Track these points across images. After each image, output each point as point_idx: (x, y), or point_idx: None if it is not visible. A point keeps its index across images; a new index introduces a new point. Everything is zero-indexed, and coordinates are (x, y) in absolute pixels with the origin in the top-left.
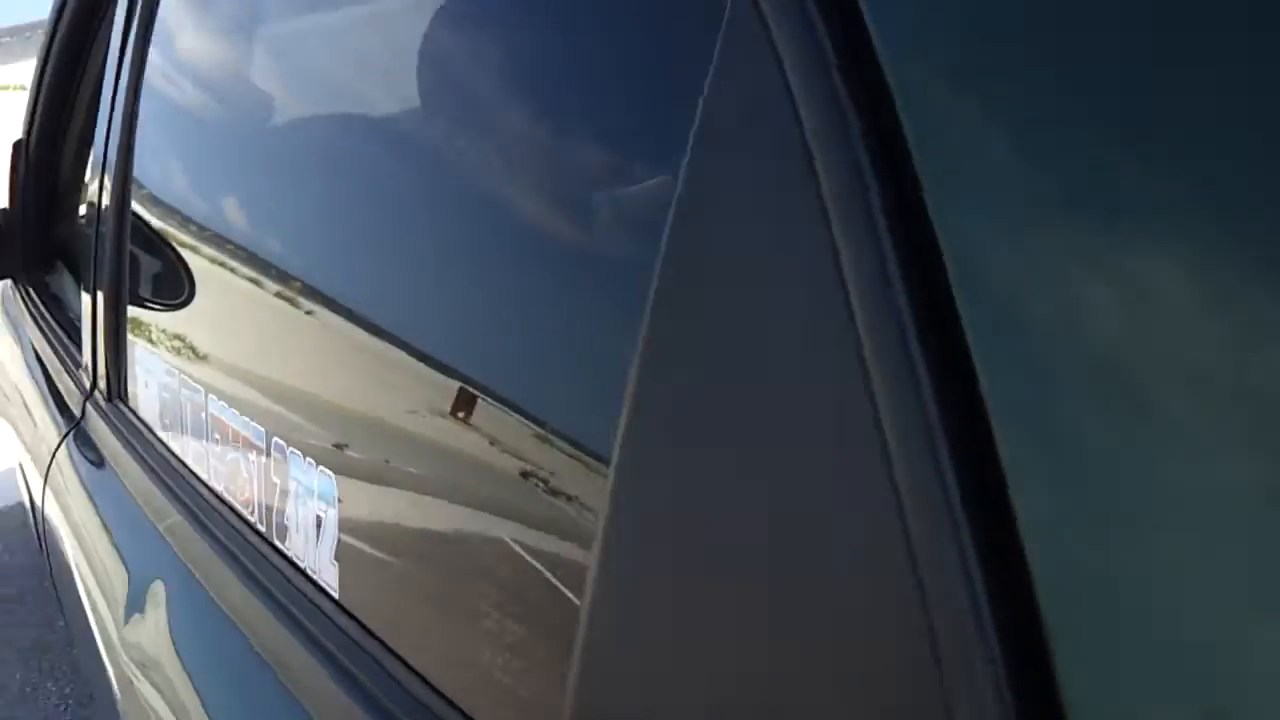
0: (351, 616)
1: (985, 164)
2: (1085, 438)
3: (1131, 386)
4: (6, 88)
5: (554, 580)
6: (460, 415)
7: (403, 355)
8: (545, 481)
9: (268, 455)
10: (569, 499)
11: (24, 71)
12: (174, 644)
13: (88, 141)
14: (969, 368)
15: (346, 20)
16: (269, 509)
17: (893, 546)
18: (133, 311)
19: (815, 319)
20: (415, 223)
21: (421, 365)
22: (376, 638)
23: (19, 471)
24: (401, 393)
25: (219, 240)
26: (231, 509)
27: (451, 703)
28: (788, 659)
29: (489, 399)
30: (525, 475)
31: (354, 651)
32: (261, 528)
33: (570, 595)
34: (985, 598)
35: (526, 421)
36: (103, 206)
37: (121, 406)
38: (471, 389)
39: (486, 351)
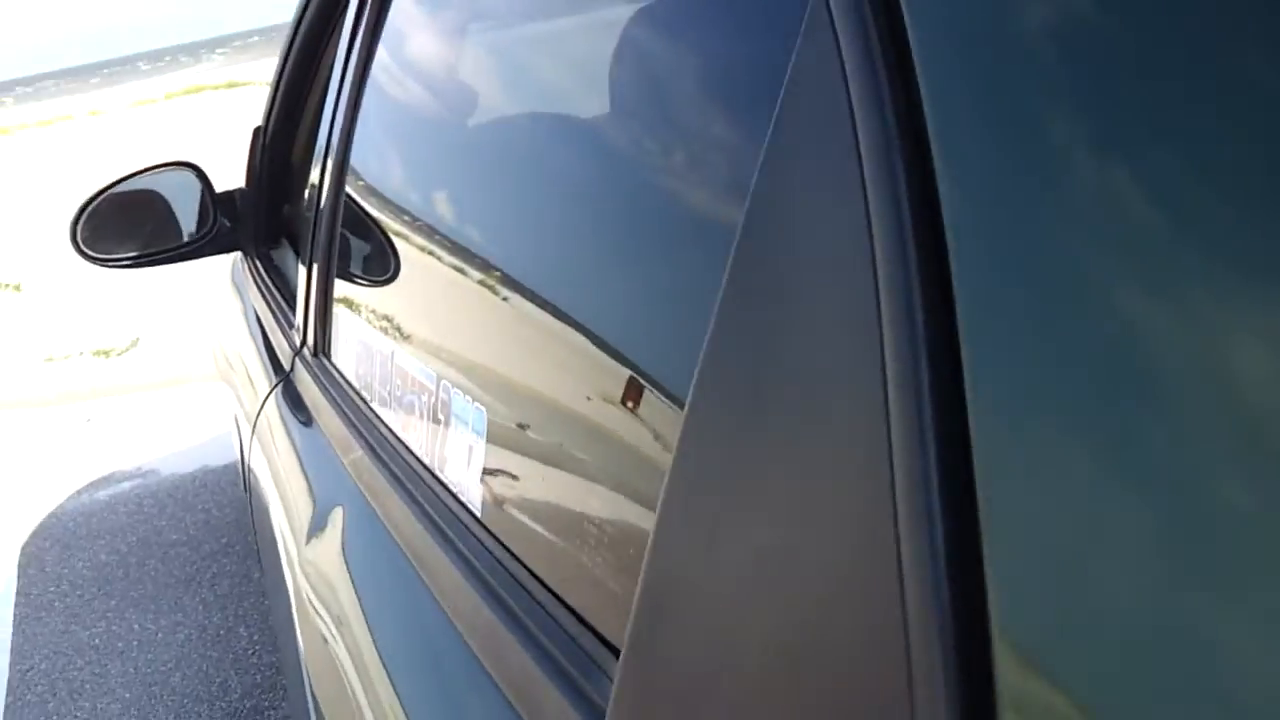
0: (489, 532)
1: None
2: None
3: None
4: (250, 84)
5: (638, 518)
6: (585, 374)
7: (549, 323)
8: (647, 435)
9: (436, 396)
10: (661, 453)
11: (267, 69)
12: (344, 558)
13: (316, 133)
14: (959, 376)
15: (551, 31)
16: (433, 441)
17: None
18: (339, 281)
19: (849, 323)
20: (567, 217)
21: (562, 331)
22: (508, 549)
23: (234, 430)
24: (545, 353)
25: (412, 226)
26: (403, 443)
27: (569, 608)
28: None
29: (612, 367)
30: (630, 429)
31: (489, 561)
32: (425, 458)
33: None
34: (950, 587)
35: (638, 388)
36: (322, 191)
37: (325, 361)
38: (600, 356)
39: (615, 331)
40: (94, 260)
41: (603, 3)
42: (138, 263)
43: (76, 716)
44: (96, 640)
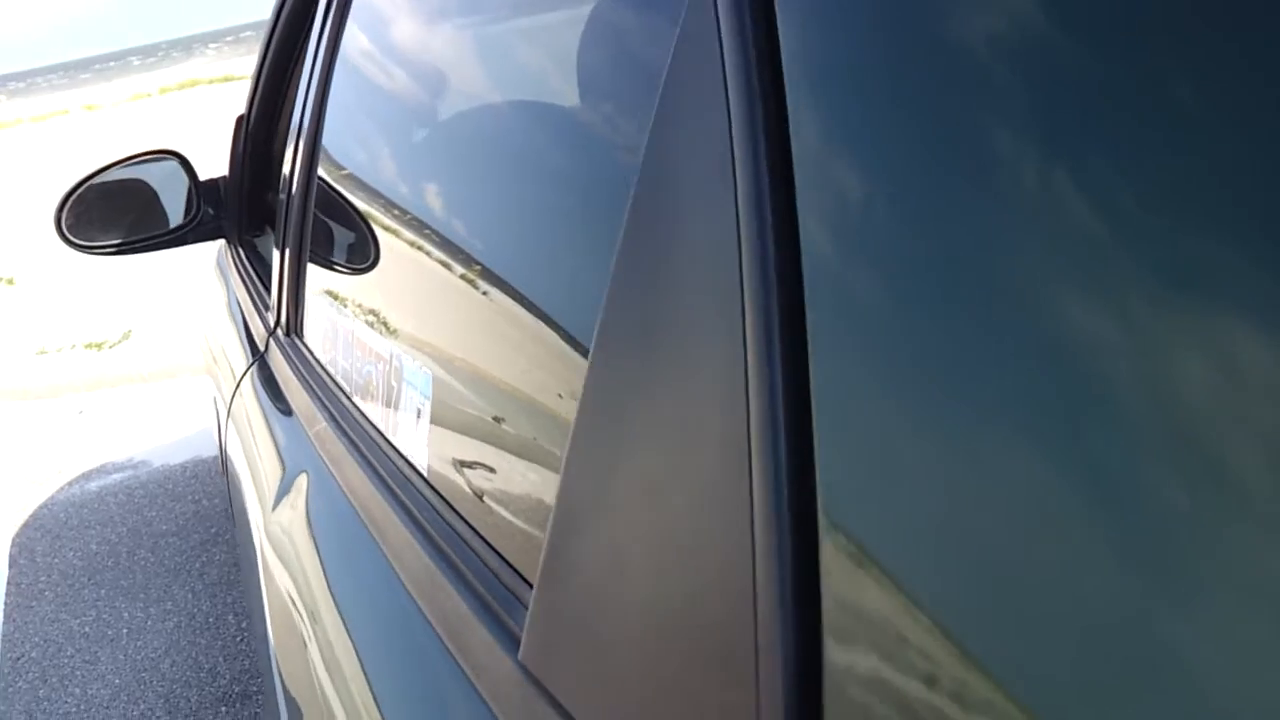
0: (433, 488)
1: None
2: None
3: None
4: (244, 78)
5: (553, 470)
6: (515, 343)
7: (483, 297)
8: (564, 400)
9: (389, 365)
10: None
11: None
12: (306, 522)
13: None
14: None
15: (515, 20)
16: (387, 408)
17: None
18: (311, 263)
19: (716, 307)
20: (501, 201)
21: (494, 304)
22: (448, 502)
23: (214, 414)
24: (481, 324)
25: (374, 207)
26: (361, 411)
27: (496, 550)
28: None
29: (539, 339)
30: (552, 395)
31: (431, 515)
32: (380, 424)
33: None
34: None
35: (557, 359)
36: (294, 174)
37: (297, 340)
38: (529, 327)
39: (540, 307)
40: (78, 247)
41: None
42: (121, 250)
43: (67, 703)
44: (87, 628)
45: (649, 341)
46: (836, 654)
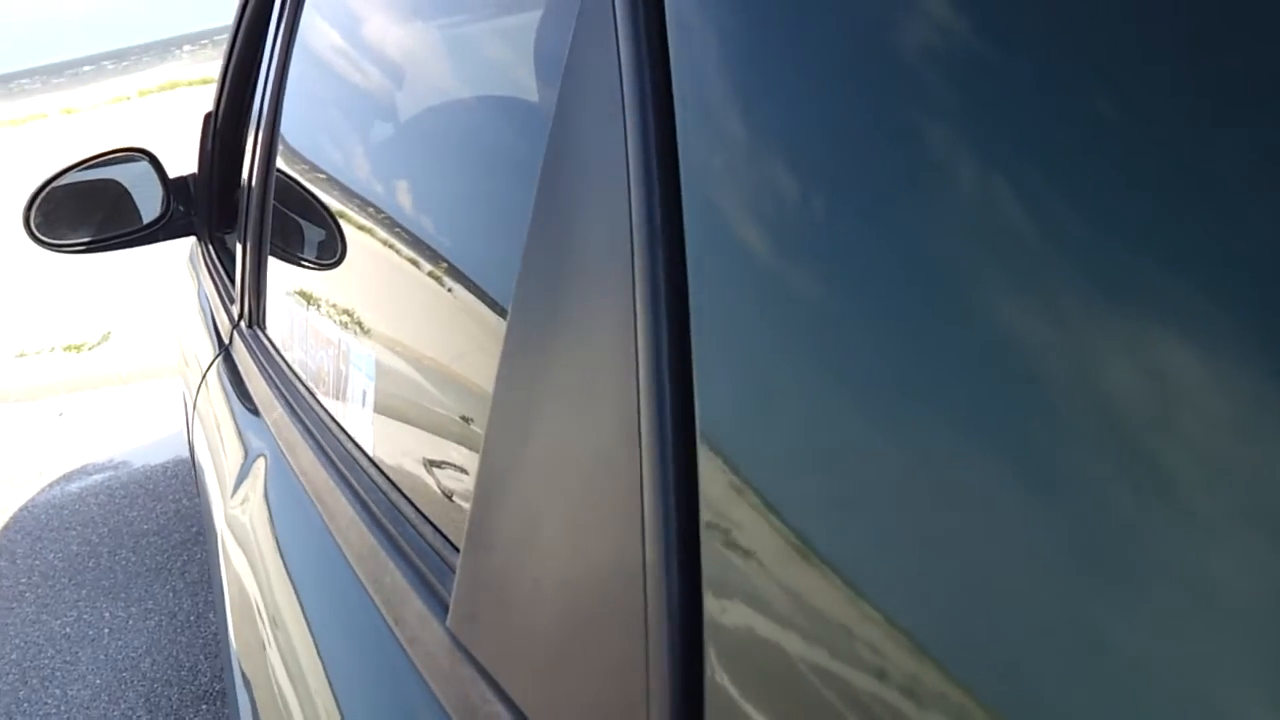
0: (376, 466)
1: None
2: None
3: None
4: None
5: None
6: (447, 326)
7: (420, 284)
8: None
9: (338, 349)
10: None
11: None
12: (262, 507)
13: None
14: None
15: (468, 14)
16: (336, 391)
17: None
18: (271, 255)
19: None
20: (439, 194)
21: (428, 290)
22: (389, 479)
23: (183, 409)
24: (417, 310)
25: (326, 196)
26: (315, 397)
27: (431, 522)
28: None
29: (469, 325)
30: (483, 377)
31: (375, 493)
32: (330, 408)
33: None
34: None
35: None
36: (254, 167)
37: (258, 331)
38: (461, 312)
39: (469, 293)
40: (46, 245)
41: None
42: (91, 247)
43: (47, 704)
44: (68, 629)
45: (551, 332)
46: (714, 608)
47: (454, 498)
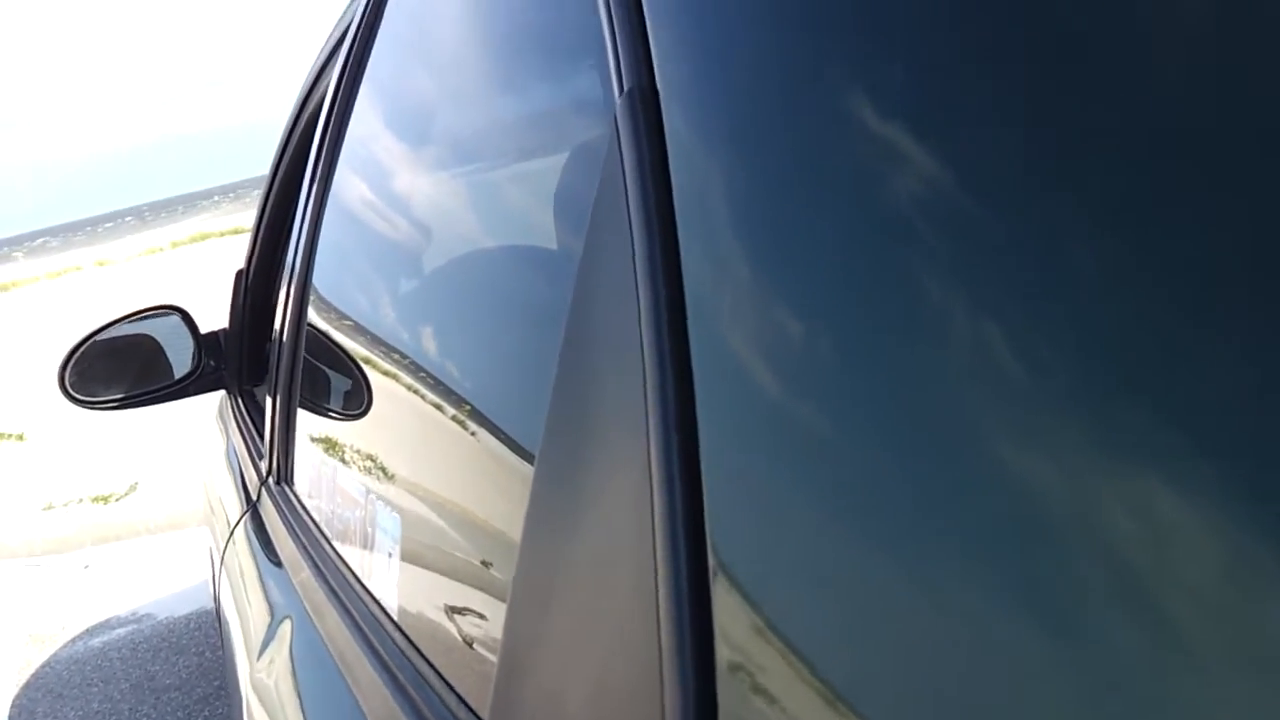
0: (401, 631)
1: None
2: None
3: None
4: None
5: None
6: (477, 490)
7: (453, 440)
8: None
9: (365, 510)
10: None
11: None
12: (288, 671)
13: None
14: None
15: (501, 172)
16: (363, 553)
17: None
18: (301, 410)
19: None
20: (479, 345)
21: (461, 448)
22: (414, 644)
23: (209, 564)
24: (445, 468)
25: (355, 354)
26: (342, 558)
27: (464, 702)
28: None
29: (499, 487)
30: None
31: (399, 658)
32: (357, 570)
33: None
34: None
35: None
36: (285, 321)
37: (286, 488)
38: (491, 476)
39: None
40: (81, 403)
41: (552, 143)
42: (124, 404)
43: None
44: None
45: (570, 505)
46: None
47: (478, 666)
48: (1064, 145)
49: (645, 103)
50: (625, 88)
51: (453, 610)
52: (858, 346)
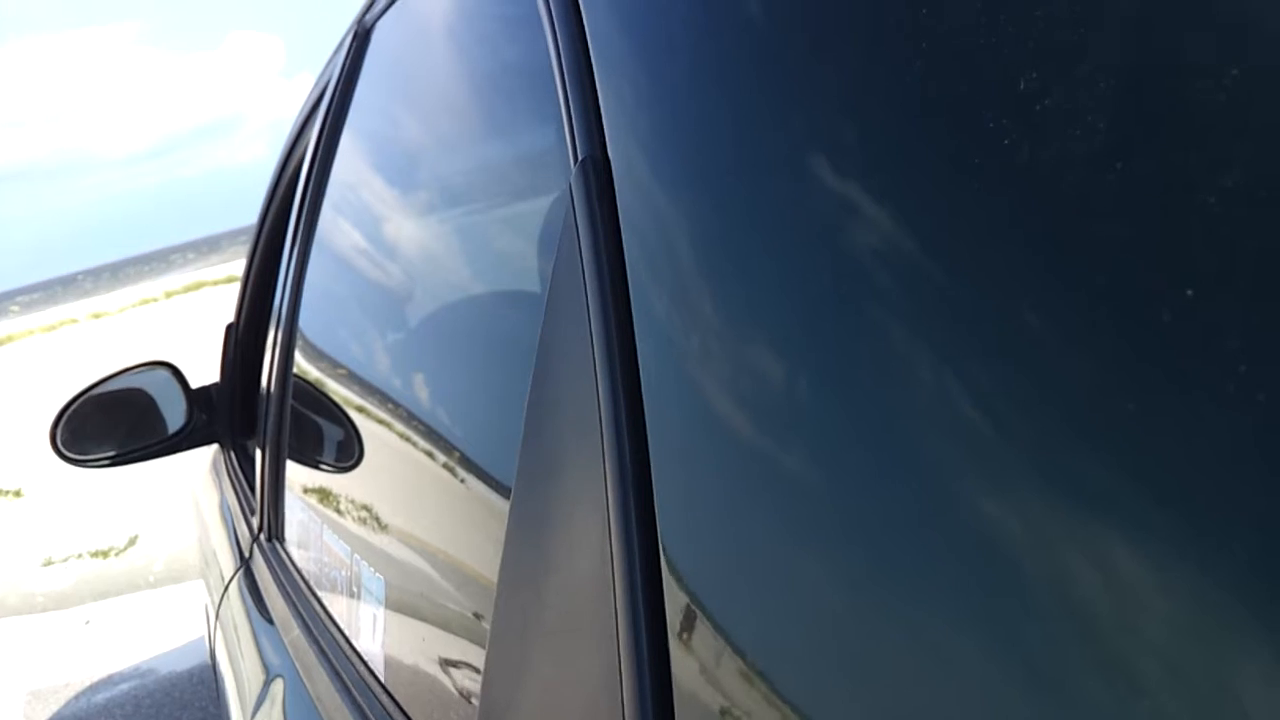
0: (388, 693)
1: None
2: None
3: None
4: None
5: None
6: (461, 549)
7: (436, 499)
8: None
9: (350, 570)
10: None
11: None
12: None
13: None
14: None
15: (482, 216)
16: (350, 614)
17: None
18: (289, 465)
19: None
20: (470, 403)
21: (443, 507)
22: (400, 706)
23: (204, 621)
24: (427, 528)
25: (340, 410)
26: (331, 618)
27: None
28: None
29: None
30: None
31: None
32: (346, 629)
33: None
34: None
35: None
36: (271, 377)
37: (277, 545)
38: (474, 535)
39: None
40: (74, 461)
41: (536, 187)
42: (116, 461)
43: None
44: None
45: (539, 568)
46: None
47: None
48: (1014, 192)
49: (597, 171)
50: (579, 157)
51: (438, 671)
52: (814, 402)
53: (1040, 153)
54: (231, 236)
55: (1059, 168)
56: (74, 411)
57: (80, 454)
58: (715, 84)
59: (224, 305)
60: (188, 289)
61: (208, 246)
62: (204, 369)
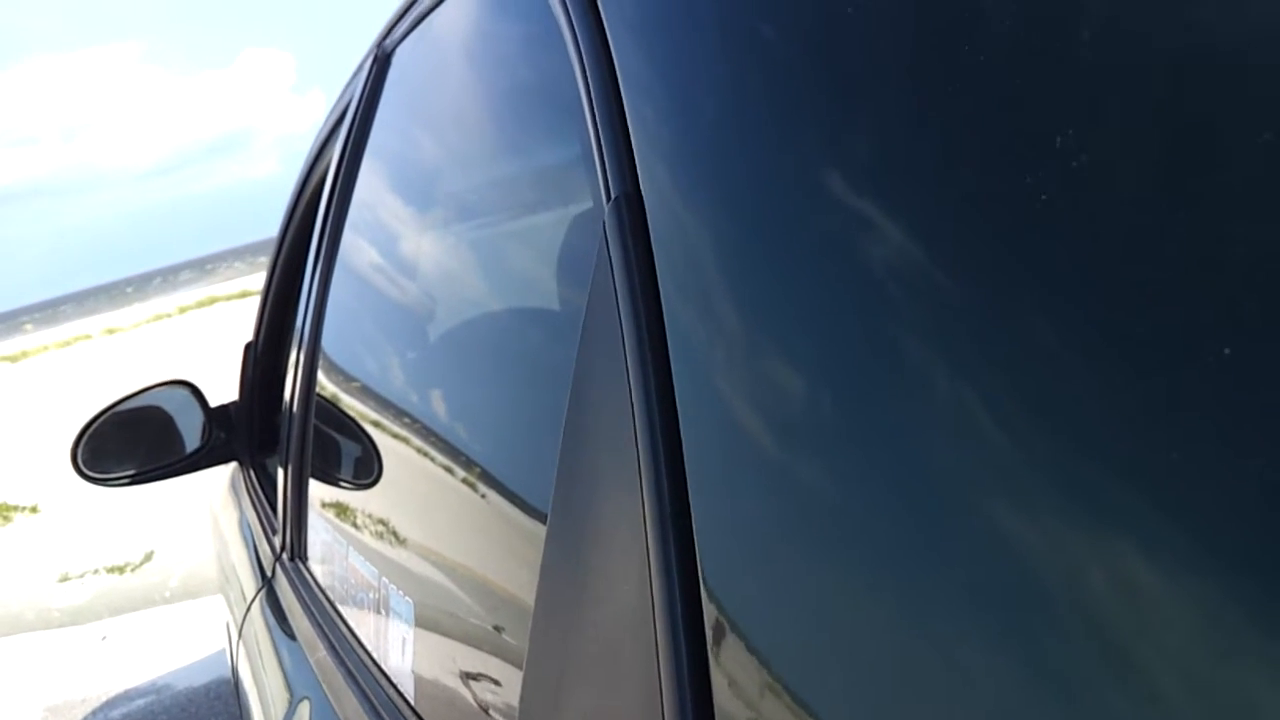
0: (419, 717)
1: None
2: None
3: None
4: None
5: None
6: (487, 571)
7: (468, 520)
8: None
9: (378, 591)
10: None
11: None
12: None
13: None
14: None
15: (499, 232)
16: (378, 636)
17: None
18: (313, 484)
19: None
20: (500, 422)
21: (475, 528)
22: None
23: (225, 640)
24: (459, 548)
25: (364, 429)
26: (358, 639)
27: None
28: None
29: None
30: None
31: None
32: (373, 651)
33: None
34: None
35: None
36: (294, 395)
37: (300, 564)
38: (506, 555)
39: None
40: (95, 480)
41: (560, 203)
42: (136, 480)
43: None
44: None
45: (576, 591)
46: None
47: None
48: (1028, 209)
49: (631, 207)
50: (608, 185)
51: (470, 696)
52: (851, 426)
53: (1068, 165)
54: (238, 253)
55: (1088, 182)
56: (95, 431)
57: (101, 473)
58: (745, 109)
59: (237, 319)
60: (201, 304)
61: (221, 261)
62: (220, 383)
